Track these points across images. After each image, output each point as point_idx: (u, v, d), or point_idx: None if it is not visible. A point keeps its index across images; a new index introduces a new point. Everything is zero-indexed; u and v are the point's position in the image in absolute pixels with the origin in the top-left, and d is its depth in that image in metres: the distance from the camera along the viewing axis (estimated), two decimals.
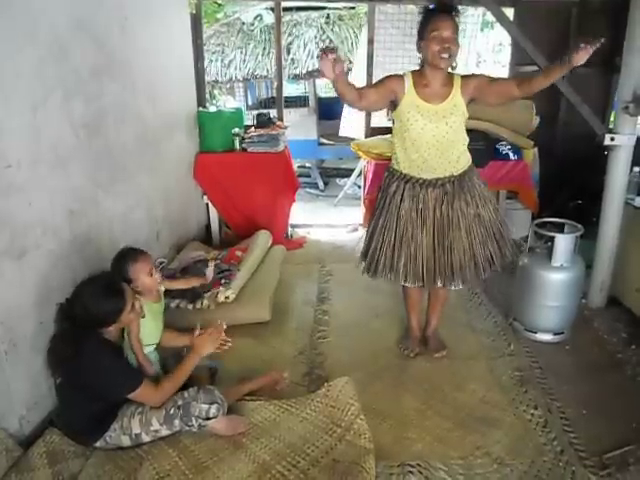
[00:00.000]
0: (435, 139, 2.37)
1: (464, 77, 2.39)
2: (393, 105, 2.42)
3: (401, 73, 2.42)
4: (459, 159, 2.46)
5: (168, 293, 3.12)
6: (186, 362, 2.19)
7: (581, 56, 2.03)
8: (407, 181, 2.48)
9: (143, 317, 2.24)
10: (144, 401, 2.10)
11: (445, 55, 2.23)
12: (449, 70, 2.36)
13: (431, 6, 2.30)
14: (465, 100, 2.36)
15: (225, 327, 2.29)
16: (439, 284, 2.57)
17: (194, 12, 4.43)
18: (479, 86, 2.35)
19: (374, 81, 4.76)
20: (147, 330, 2.29)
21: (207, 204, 4.47)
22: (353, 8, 7.11)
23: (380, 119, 4.95)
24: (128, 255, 2.31)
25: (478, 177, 2.55)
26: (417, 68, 2.42)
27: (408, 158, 2.45)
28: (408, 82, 2.36)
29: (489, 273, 2.58)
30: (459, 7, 2.33)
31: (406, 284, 2.64)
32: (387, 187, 2.57)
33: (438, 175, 2.45)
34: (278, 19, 4.76)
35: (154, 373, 2.29)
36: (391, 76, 2.41)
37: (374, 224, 2.63)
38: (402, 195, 2.49)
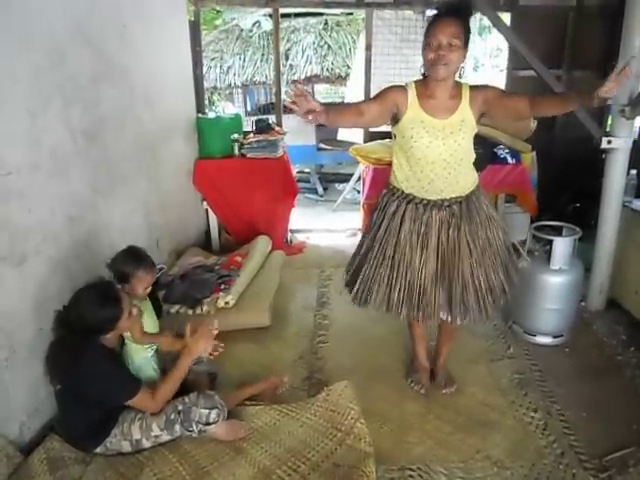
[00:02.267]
0: (442, 157, 2.13)
1: (473, 87, 2.15)
2: (394, 119, 2.18)
3: (403, 83, 2.17)
4: (467, 178, 2.23)
5: (167, 299, 3.14)
6: (180, 364, 2.18)
7: (611, 88, 1.77)
8: (409, 201, 2.23)
9: (142, 315, 2.26)
10: (142, 408, 2.10)
11: (439, 64, 2.00)
12: (457, 79, 2.14)
13: (431, 12, 2.20)
14: (475, 114, 2.13)
15: (217, 326, 2.28)
16: (447, 319, 2.34)
17: (193, 19, 4.46)
18: (488, 99, 2.11)
19: (372, 85, 4.85)
20: (146, 328, 2.31)
21: (206, 210, 4.48)
22: (351, 14, 7.15)
23: None
24: (142, 262, 2.28)
25: (485, 196, 2.33)
26: (420, 78, 2.18)
27: (412, 177, 2.20)
28: (411, 94, 2.13)
29: (503, 302, 2.36)
30: (469, 8, 2.07)
31: (403, 317, 2.36)
32: (385, 207, 2.30)
33: (444, 196, 2.20)
34: (276, 25, 4.78)
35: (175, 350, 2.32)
36: (392, 87, 2.17)
37: (367, 247, 2.35)
38: (402, 216, 2.23)
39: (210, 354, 2.28)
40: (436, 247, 2.22)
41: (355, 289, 2.37)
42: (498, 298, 2.31)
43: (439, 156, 2.13)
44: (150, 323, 2.36)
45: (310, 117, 1.84)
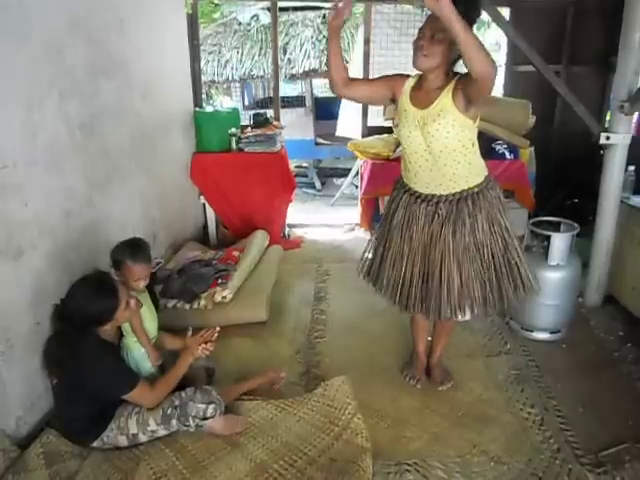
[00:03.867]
0: (422, 148, 2.11)
1: (460, 76, 2.03)
2: (396, 106, 2.23)
3: (410, 74, 2.19)
4: (455, 176, 2.13)
5: (165, 293, 3.14)
6: (179, 363, 2.19)
7: None
8: (405, 191, 2.28)
9: (141, 306, 2.25)
10: (139, 402, 2.10)
11: (419, 53, 1.99)
12: (451, 72, 2.07)
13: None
14: (458, 103, 2.00)
15: (219, 329, 2.31)
16: (421, 312, 2.32)
17: (190, 12, 4.44)
18: (464, 84, 1.97)
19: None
20: (145, 322, 2.30)
21: (204, 204, 4.47)
22: None
23: (377, 119, 4.96)
24: (133, 252, 2.28)
25: (493, 201, 2.20)
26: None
27: (405, 167, 2.26)
28: (408, 83, 2.16)
29: (488, 311, 2.30)
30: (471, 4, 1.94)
31: (391, 302, 2.39)
32: (391, 194, 2.39)
33: (432, 191, 2.18)
34: (275, 19, 4.76)
35: (160, 362, 2.32)
36: (395, 74, 2.23)
37: (376, 231, 2.48)
38: (398, 205, 2.29)
39: (203, 350, 2.29)
40: (419, 241, 2.23)
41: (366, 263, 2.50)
42: (479, 306, 2.24)
43: (419, 146, 2.12)
44: (149, 317, 2.36)
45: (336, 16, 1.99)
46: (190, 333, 2.30)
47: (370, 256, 2.47)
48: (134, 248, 2.30)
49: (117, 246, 2.31)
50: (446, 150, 2.09)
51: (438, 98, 2.05)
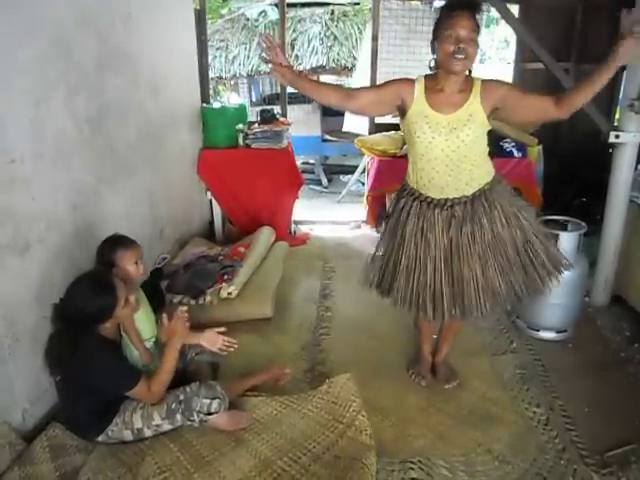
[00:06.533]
0: (444, 154, 2.06)
1: (486, 82, 2.04)
2: (402, 113, 2.14)
3: (413, 77, 2.12)
4: (473, 176, 2.13)
5: (170, 289, 3.15)
6: (166, 354, 2.15)
7: (628, 45, 1.74)
8: (415, 198, 2.21)
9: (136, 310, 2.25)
10: (141, 399, 2.10)
11: (460, 56, 1.92)
12: (467, 73, 2.06)
13: (439, 3, 2.10)
14: (486, 109, 2.02)
15: (185, 309, 2.26)
16: (449, 317, 2.27)
17: (198, 8, 4.43)
18: (506, 97, 2.00)
19: (378, 77, 4.83)
20: (141, 322, 2.30)
21: (210, 200, 4.48)
22: (357, 4, 7.10)
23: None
24: (118, 241, 2.31)
25: (504, 194, 2.20)
26: (430, 72, 2.11)
27: (416, 173, 2.19)
28: (418, 88, 2.07)
29: (515, 304, 2.29)
30: (481, 2, 2.01)
31: (408, 312, 2.36)
32: (397, 201, 2.32)
33: (447, 195, 2.15)
34: (282, 15, 4.75)
35: (155, 365, 2.30)
36: (400, 79, 2.14)
37: (382, 240, 2.41)
38: (408, 213, 2.22)
39: (222, 350, 2.28)
40: (440, 247, 2.18)
41: (372, 274, 2.43)
42: (504, 300, 2.24)
43: (441, 152, 2.07)
44: (144, 318, 2.34)
45: (276, 73, 2.02)
46: (165, 322, 2.22)
47: (379, 269, 2.39)
48: (116, 238, 2.34)
49: (97, 253, 2.31)
50: (470, 153, 2.08)
51: (467, 102, 2.02)
